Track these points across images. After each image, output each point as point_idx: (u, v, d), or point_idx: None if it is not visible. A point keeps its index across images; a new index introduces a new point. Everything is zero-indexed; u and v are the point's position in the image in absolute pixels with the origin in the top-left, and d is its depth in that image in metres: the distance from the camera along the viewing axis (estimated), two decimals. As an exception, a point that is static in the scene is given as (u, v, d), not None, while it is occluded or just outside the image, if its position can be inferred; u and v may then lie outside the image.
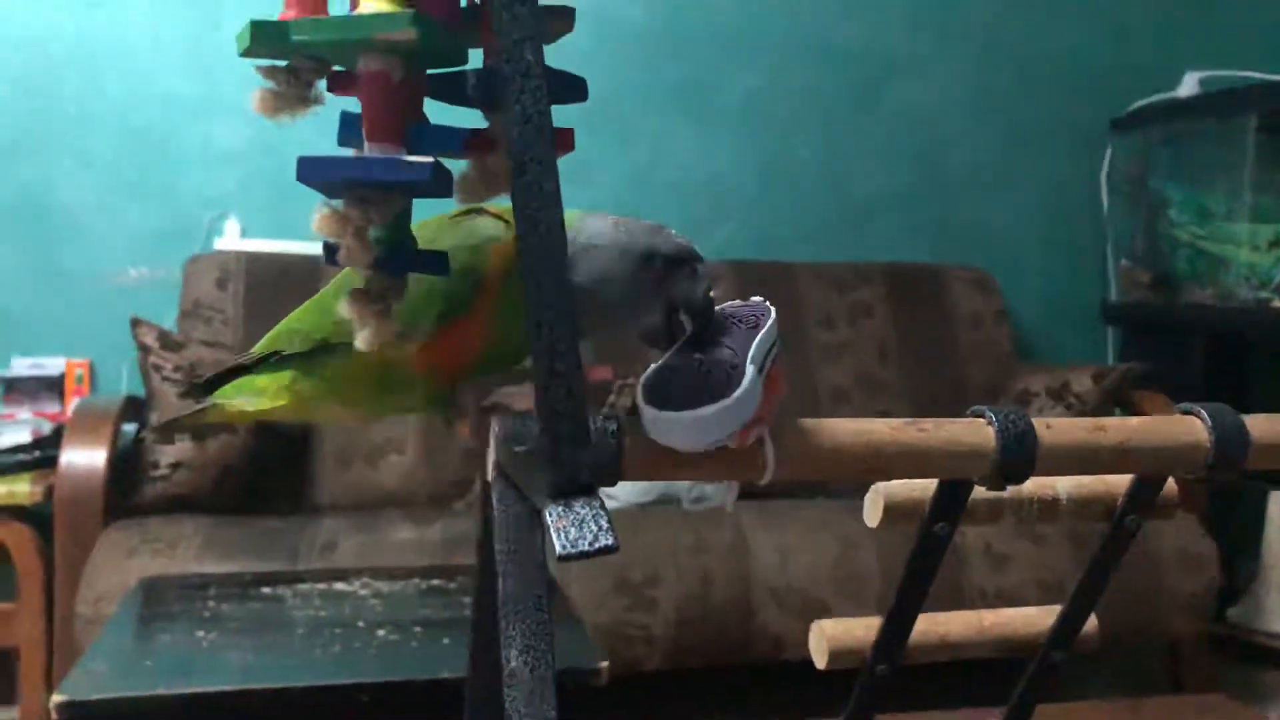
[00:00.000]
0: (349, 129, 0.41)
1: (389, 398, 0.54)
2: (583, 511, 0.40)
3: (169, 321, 2.29)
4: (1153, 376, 2.42)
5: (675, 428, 0.41)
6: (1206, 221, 2.67)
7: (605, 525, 0.39)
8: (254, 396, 0.54)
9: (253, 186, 2.45)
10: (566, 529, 0.39)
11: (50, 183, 2.40)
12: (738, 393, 0.41)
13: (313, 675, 1.27)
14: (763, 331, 0.46)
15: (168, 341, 2.10)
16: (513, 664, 0.47)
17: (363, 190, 0.39)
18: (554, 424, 0.40)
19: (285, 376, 0.54)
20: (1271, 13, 2.96)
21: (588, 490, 0.40)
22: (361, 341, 0.43)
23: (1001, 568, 2.07)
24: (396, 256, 0.42)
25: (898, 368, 2.61)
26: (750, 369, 0.42)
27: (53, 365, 2.36)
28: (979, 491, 0.63)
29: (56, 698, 1.18)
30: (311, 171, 0.39)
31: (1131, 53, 2.90)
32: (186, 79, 2.42)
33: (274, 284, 2.29)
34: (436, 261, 0.43)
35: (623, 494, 2.12)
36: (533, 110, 0.37)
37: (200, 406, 0.57)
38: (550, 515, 0.40)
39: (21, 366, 2.36)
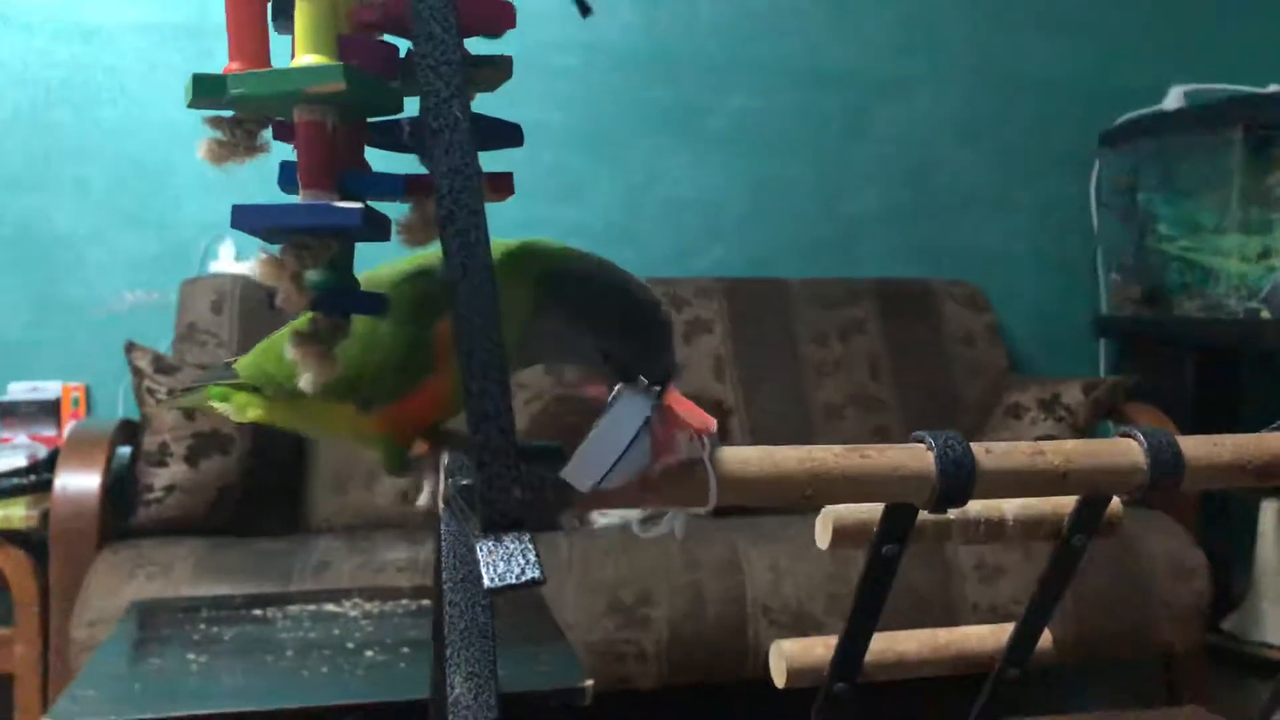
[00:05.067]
0: (288, 177, 0.43)
1: (346, 437, 0.56)
2: (512, 546, 0.41)
3: (165, 345, 2.31)
4: (1145, 389, 2.42)
5: (571, 476, 0.43)
6: (1196, 234, 2.68)
7: (533, 559, 0.40)
8: (232, 407, 0.57)
9: (247, 211, 2.47)
10: (495, 563, 0.40)
11: (47, 212, 2.42)
12: (596, 428, 0.43)
13: (299, 697, 1.28)
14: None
15: (162, 365, 2.12)
16: (457, 690, 0.48)
17: (298, 236, 0.41)
18: (485, 463, 0.42)
19: (256, 400, 0.56)
20: (1252, 26, 2.99)
21: (517, 525, 0.41)
22: (304, 384, 0.44)
23: (993, 581, 2.08)
24: (335, 299, 0.43)
25: (891, 384, 2.61)
26: (612, 408, 0.44)
27: (49, 389, 2.38)
28: (927, 512, 0.64)
29: (46, 723, 1.19)
30: (245, 219, 0.41)
31: (1117, 69, 2.92)
32: (179, 107, 2.44)
33: (268, 306, 2.30)
34: (375, 303, 0.44)
35: (616, 513, 2.13)
36: (460, 163, 0.39)
37: (194, 387, 0.60)
38: (481, 550, 0.41)
39: (19, 391, 2.38)
